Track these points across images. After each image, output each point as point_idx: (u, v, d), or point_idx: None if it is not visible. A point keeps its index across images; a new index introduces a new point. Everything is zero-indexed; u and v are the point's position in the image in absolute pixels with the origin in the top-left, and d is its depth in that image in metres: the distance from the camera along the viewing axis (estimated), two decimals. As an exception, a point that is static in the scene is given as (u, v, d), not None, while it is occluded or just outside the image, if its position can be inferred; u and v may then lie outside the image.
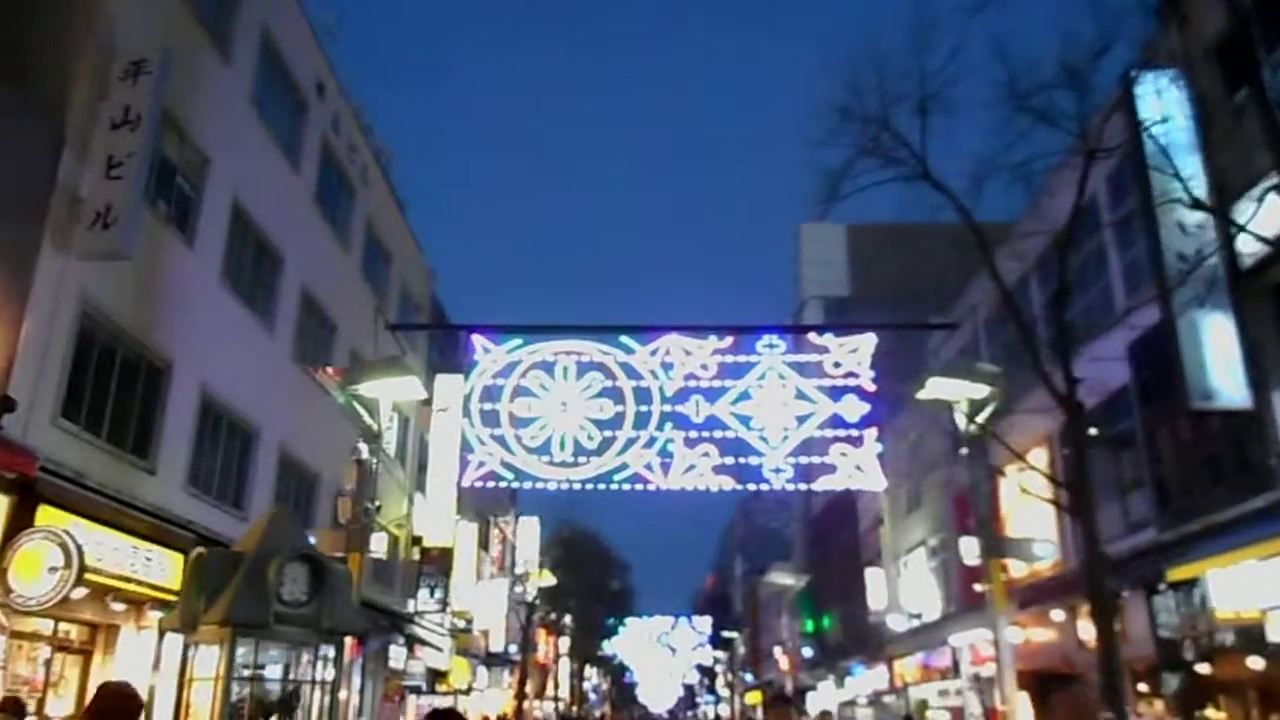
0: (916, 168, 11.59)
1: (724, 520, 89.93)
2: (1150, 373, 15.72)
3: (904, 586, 29.86)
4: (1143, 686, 17.00)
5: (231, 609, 7.06)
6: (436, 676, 27.71)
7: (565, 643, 48.44)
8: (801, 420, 12.58)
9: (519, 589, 36.21)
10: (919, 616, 27.65)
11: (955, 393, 12.59)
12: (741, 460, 12.52)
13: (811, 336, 12.88)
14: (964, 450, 18.11)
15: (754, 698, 66.59)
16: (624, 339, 12.70)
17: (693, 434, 12.36)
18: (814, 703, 43.78)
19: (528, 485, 12.38)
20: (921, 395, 13.02)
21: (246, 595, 7.17)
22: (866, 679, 34.55)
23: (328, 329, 19.68)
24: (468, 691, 31.64)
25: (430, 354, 28.03)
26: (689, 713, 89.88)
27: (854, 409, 12.64)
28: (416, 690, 23.94)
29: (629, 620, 70.57)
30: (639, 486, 12.18)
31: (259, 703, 7.52)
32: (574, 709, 54.26)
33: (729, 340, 12.71)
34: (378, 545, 11.31)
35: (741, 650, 65.19)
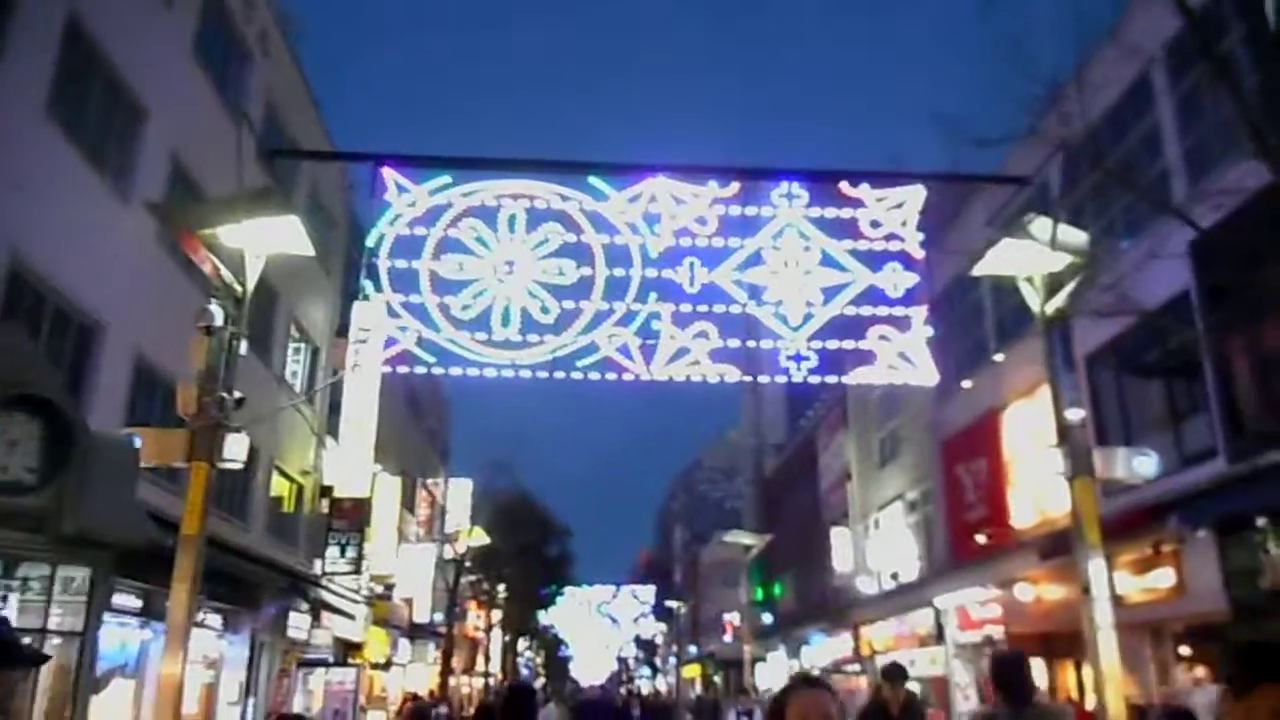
0: None
1: (664, 489, 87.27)
2: (1221, 271, 12.91)
3: (874, 547, 27.12)
4: (1184, 650, 14.33)
5: None
6: (349, 648, 24.14)
7: (497, 614, 45.01)
8: (830, 294, 9.37)
9: (449, 552, 32.64)
10: (895, 578, 24.89)
11: (1029, 264, 9.52)
12: (750, 344, 9.31)
13: (844, 187, 9.63)
14: (991, 361, 15.01)
15: (691, 670, 64.11)
16: (594, 180, 9.31)
17: (685, 308, 9.07)
18: (763, 675, 41.18)
19: (455, 371, 8.95)
20: (980, 270, 9.97)
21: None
22: (826, 648, 31.89)
23: (209, 217, 15.85)
24: (387, 666, 28.09)
25: (347, 279, 24.27)
26: (622, 689, 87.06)
27: (897, 281, 9.49)
28: (323, 663, 20.37)
29: (568, 589, 67.26)
30: (611, 376, 8.87)
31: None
32: (505, 684, 50.93)
33: (734, 187, 9.42)
34: (236, 450, 7.82)
35: (683, 623, 62.56)
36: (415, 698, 14.10)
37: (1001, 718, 4.59)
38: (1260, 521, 11.11)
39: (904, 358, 9.35)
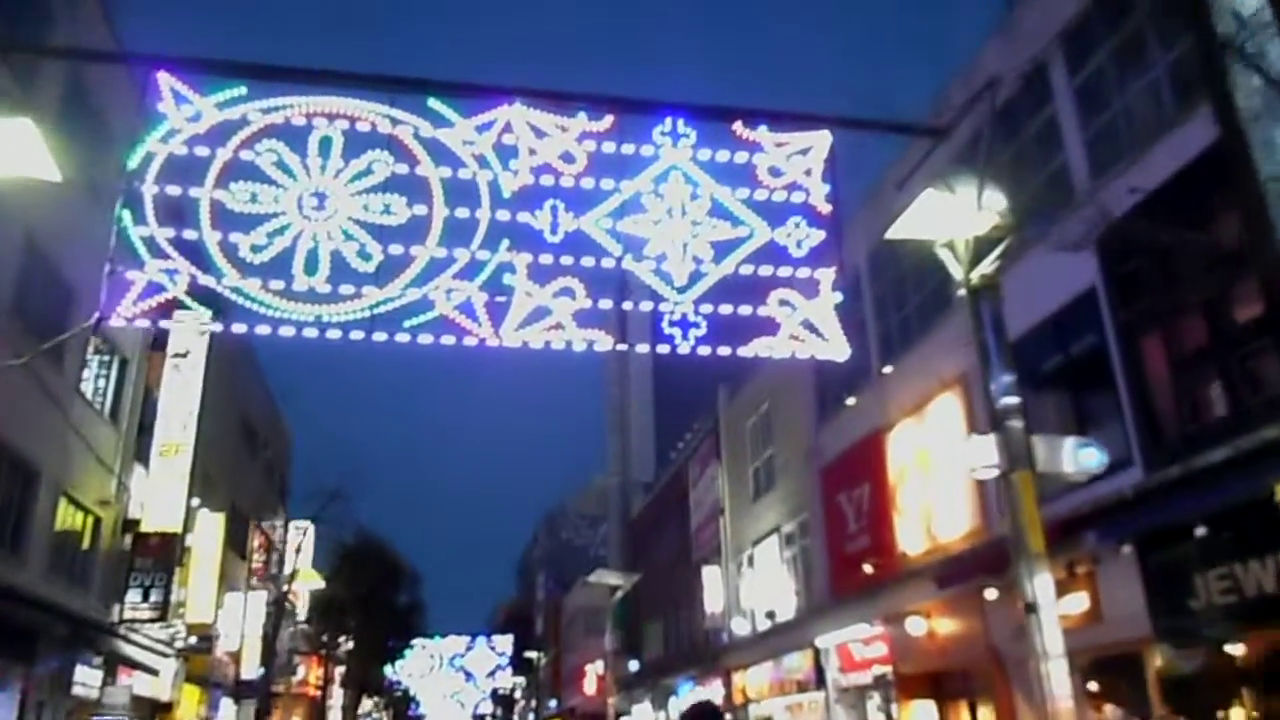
0: None
1: (525, 537, 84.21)
2: (1134, 266, 11.98)
3: (748, 585, 25.58)
4: (1092, 685, 13.10)
5: None
6: (156, 709, 20.85)
7: (340, 670, 41.28)
8: (722, 251, 7.72)
9: (286, 598, 29.35)
10: (771, 617, 23.37)
11: (953, 227, 8.15)
12: (627, 307, 7.54)
13: (738, 127, 8.04)
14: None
15: (553, 726, 61.12)
16: (434, 103, 7.41)
17: (546, 259, 7.20)
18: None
19: (239, 328, 6.80)
20: (896, 232, 8.54)
21: None
22: (696, 697, 29.99)
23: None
24: (202, 730, 24.66)
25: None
26: None
27: (801, 237, 7.91)
28: (116, 727, 17.23)
29: (417, 641, 62.95)
30: (449, 339, 6.92)
31: None
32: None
33: (608, 121, 7.67)
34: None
35: (544, 675, 59.60)
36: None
37: None
38: (1200, 531, 9.93)
39: (810, 328, 7.75)
